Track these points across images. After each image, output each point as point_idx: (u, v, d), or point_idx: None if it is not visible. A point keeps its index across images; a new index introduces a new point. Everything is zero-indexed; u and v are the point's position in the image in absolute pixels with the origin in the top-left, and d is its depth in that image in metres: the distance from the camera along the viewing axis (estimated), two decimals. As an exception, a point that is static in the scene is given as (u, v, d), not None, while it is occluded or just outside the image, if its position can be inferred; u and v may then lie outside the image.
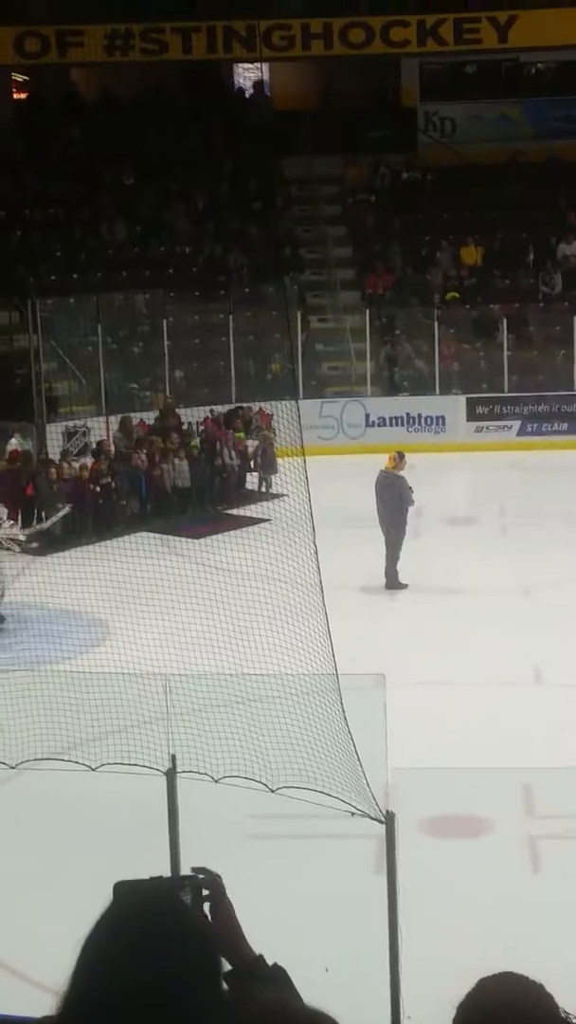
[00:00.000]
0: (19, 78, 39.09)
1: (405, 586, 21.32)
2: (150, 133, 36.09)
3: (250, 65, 39.19)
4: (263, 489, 27.69)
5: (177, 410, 29.10)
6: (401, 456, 21.81)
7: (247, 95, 39.53)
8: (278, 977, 3.09)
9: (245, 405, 30.16)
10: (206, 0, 35.79)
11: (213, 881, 3.20)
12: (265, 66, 39.16)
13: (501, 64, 38.48)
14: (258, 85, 39.45)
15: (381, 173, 37.59)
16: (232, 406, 30.31)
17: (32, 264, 33.08)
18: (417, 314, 34.20)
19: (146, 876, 3.01)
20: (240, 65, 39.55)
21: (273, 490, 26.83)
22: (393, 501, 21.32)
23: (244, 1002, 2.72)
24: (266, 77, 39.62)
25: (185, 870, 9.91)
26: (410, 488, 21.36)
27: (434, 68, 38.55)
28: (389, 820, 9.58)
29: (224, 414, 29.63)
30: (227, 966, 3.00)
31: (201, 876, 3.20)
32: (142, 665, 14.52)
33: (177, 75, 38.11)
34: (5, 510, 24.52)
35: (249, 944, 3.13)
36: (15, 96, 39.19)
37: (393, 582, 21.40)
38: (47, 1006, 2.88)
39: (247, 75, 40.06)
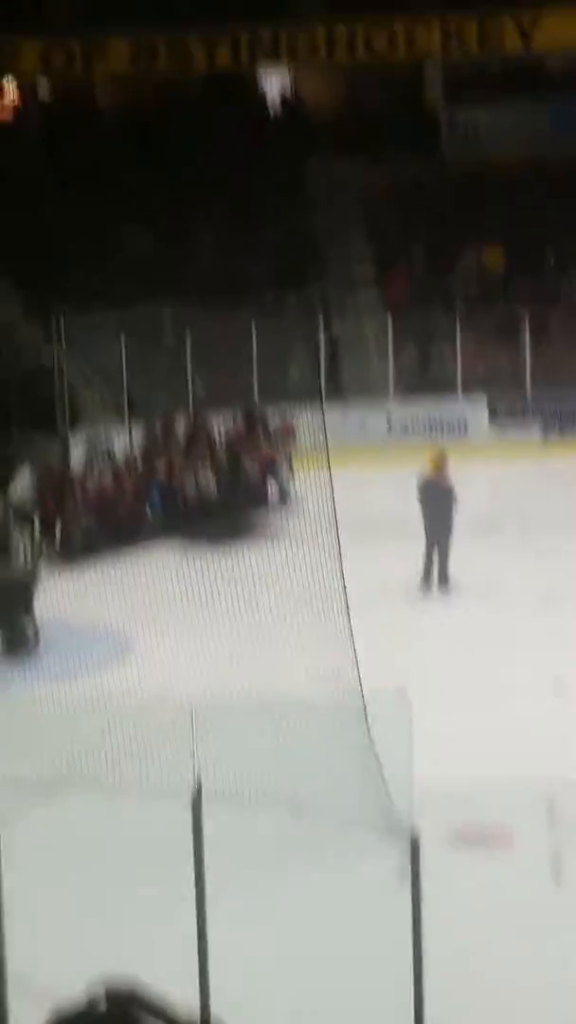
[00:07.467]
0: (44, 90, 39.36)
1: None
2: (173, 143, 36.15)
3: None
4: (285, 498, 27.55)
5: (206, 418, 29.00)
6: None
7: (271, 102, 39.58)
8: None
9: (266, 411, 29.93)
10: (230, 7, 35.93)
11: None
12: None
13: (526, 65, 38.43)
14: (283, 92, 39.57)
15: (406, 175, 37.43)
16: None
17: (56, 278, 33.09)
18: (440, 317, 34.05)
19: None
20: (264, 72, 39.70)
21: (296, 498, 26.72)
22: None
23: None
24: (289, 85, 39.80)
25: (211, 896, 9.85)
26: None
27: (457, 70, 38.56)
28: (414, 837, 9.56)
29: (246, 421, 29.44)
30: None
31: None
32: (166, 682, 14.52)
33: (201, 84, 38.30)
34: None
35: None
36: (40, 105, 39.45)
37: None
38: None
39: (271, 83, 40.11)
